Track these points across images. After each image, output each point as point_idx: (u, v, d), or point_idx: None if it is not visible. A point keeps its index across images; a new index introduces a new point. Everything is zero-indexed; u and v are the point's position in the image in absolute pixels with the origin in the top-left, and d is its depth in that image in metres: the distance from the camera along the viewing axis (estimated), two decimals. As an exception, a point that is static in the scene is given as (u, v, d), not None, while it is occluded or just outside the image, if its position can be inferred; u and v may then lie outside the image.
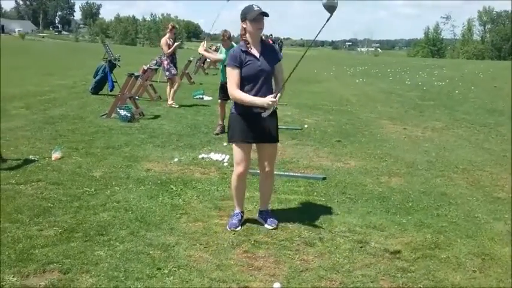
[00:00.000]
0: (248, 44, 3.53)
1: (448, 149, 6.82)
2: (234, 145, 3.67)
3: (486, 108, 11.54)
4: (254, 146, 3.75)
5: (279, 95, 3.46)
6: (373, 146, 6.81)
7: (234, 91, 3.51)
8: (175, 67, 9.94)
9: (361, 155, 6.25)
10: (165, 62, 9.75)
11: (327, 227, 3.80)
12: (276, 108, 3.64)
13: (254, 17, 3.42)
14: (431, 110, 10.87)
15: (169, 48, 9.65)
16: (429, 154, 6.47)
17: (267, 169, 3.72)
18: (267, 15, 3.45)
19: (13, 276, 2.87)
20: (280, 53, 3.72)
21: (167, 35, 9.76)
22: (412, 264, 3.24)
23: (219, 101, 7.46)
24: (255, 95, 3.51)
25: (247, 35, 3.50)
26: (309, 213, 4.07)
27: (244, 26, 3.48)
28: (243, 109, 3.57)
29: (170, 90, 9.94)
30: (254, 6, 3.44)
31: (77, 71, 17.63)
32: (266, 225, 3.74)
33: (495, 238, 3.69)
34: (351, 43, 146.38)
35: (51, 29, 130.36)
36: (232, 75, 3.52)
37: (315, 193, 4.65)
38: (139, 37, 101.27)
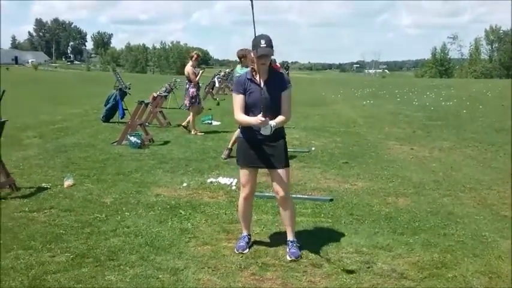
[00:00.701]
0: (254, 72, 3.63)
1: (455, 169, 6.84)
2: (240, 170, 3.80)
3: (494, 127, 11.53)
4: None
5: (273, 122, 3.50)
6: (380, 167, 6.85)
7: (236, 115, 3.65)
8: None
9: (368, 176, 6.29)
10: (192, 90, 9.79)
11: (334, 248, 3.83)
12: (285, 135, 3.74)
13: (259, 55, 3.49)
14: (439, 130, 10.90)
15: (196, 76, 9.81)
16: (436, 174, 6.49)
17: (279, 195, 3.70)
18: (269, 52, 3.50)
19: (26, 302, 2.94)
20: (288, 82, 3.69)
21: (191, 63, 9.87)
22: (419, 283, 3.26)
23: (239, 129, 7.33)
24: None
25: (255, 64, 3.59)
26: (316, 235, 4.11)
27: (253, 55, 3.57)
28: (248, 135, 3.68)
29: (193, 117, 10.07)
30: (262, 42, 3.47)
31: (88, 99, 18.00)
32: (287, 257, 3.66)
33: (502, 256, 3.69)
34: (358, 65, 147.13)
35: (63, 59, 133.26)
36: (236, 101, 3.64)
37: (322, 215, 4.69)
38: (150, 65, 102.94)
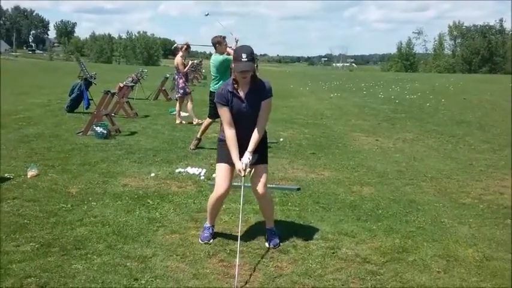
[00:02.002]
0: (235, 84, 3.55)
1: (417, 159, 7.07)
2: (217, 166, 3.74)
3: (455, 119, 11.95)
4: None
5: (249, 157, 3.54)
6: (346, 158, 7.01)
7: (225, 130, 3.59)
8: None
9: (334, 166, 6.43)
10: (181, 81, 10.14)
11: (301, 235, 3.92)
12: (267, 132, 3.79)
13: (239, 70, 3.44)
14: (403, 122, 11.21)
15: (184, 67, 10.09)
16: (400, 164, 6.70)
17: (258, 192, 3.68)
18: (250, 67, 3.44)
19: (-10, 291, 2.90)
20: (270, 91, 3.61)
21: (180, 54, 10.12)
22: (381, 267, 3.39)
23: (208, 118, 7.27)
24: (241, 135, 3.57)
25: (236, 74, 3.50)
26: (283, 223, 4.19)
27: (235, 68, 3.48)
28: None
29: (180, 108, 10.26)
30: (243, 56, 3.40)
31: (51, 89, 17.49)
32: (266, 244, 3.74)
33: (459, 241, 3.88)
34: (326, 59, 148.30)
35: (24, 48, 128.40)
36: (222, 114, 3.59)
37: (290, 203, 4.78)
38: (115, 55, 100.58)
